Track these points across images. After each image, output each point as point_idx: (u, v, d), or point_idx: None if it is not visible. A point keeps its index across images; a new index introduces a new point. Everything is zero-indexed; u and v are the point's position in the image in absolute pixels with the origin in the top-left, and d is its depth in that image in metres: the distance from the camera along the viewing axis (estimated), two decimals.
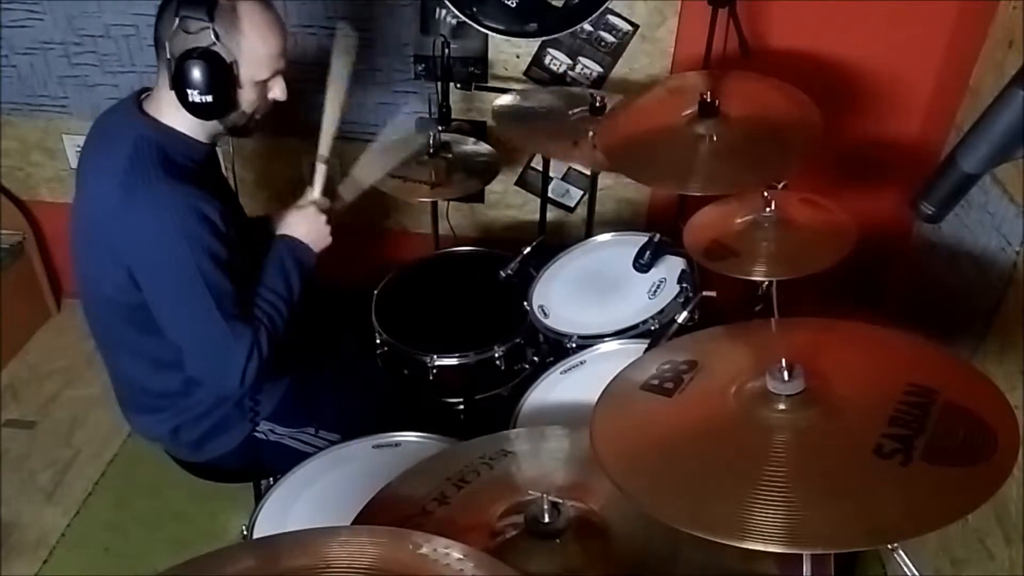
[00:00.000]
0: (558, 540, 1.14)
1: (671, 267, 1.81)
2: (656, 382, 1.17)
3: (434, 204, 2.30)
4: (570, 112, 2.05)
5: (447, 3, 2.22)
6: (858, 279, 2.12)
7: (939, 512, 0.88)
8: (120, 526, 2.22)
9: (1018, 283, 1.71)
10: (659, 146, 1.73)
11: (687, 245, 1.63)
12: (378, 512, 1.20)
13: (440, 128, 2.14)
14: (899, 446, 0.93)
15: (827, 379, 1.05)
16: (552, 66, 2.33)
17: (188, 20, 1.40)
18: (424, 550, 0.84)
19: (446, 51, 2.10)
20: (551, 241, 2.17)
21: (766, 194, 1.57)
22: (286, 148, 2.56)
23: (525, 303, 1.89)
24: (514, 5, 2.20)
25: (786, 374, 1.02)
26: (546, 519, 1.14)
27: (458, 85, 2.28)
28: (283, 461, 1.59)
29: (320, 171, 1.75)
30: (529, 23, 2.23)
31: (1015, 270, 1.73)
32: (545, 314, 1.85)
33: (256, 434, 1.72)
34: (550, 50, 2.31)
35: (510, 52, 2.33)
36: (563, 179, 2.51)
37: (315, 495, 1.49)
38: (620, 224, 2.45)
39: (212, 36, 1.41)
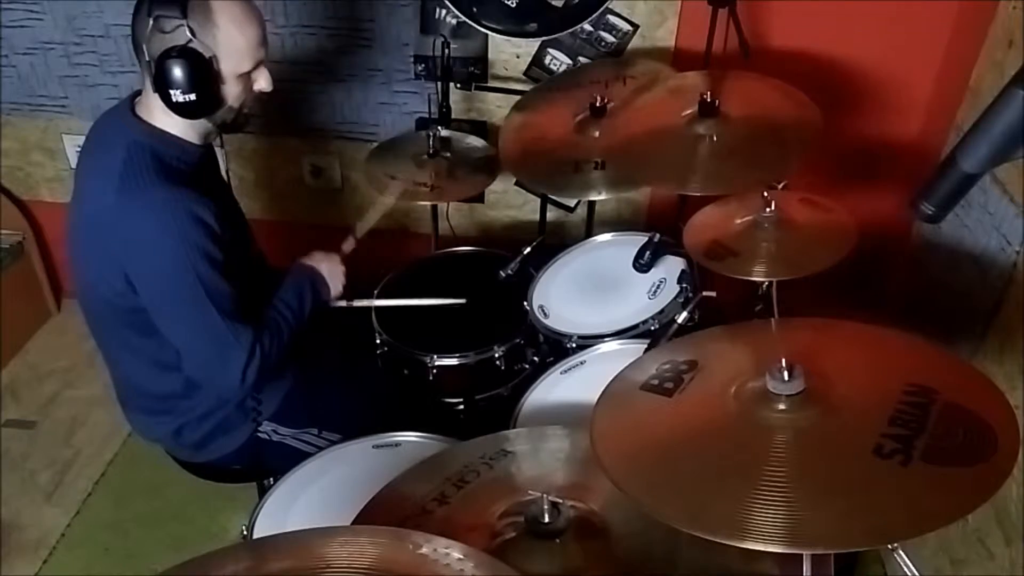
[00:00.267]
0: (558, 540, 1.14)
1: (671, 267, 1.81)
2: (656, 382, 1.17)
3: (434, 204, 2.30)
4: (573, 117, 2.05)
5: (447, 3, 2.22)
6: (858, 279, 2.12)
7: (939, 512, 0.88)
8: (120, 526, 2.22)
9: (1018, 283, 1.71)
10: (659, 146, 1.73)
11: (687, 245, 1.63)
12: (378, 512, 1.20)
13: (440, 128, 2.14)
14: (899, 446, 0.93)
15: (827, 379, 1.05)
16: (552, 66, 2.33)
17: (162, 19, 1.39)
18: (424, 550, 0.84)
19: (446, 51, 2.09)
20: (551, 241, 2.18)
21: (766, 194, 1.57)
22: (286, 148, 2.56)
23: (525, 303, 1.89)
24: (514, 5, 2.20)
25: (786, 374, 1.02)
26: (546, 519, 1.14)
27: (458, 85, 2.29)
28: (286, 461, 1.59)
29: (350, 241, 1.88)
30: (529, 23, 2.22)
31: (1015, 270, 1.73)
32: (545, 314, 1.85)
33: (259, 434, 1.72)
34: (550, 50, 2.31)
35: (510, 52, 2.33)
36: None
37: (315, 495, 1.49)
38: (620, 224, 2.45)
39: (188, 33, 1.39)
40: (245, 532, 1.45)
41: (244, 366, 1.51)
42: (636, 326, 1.74)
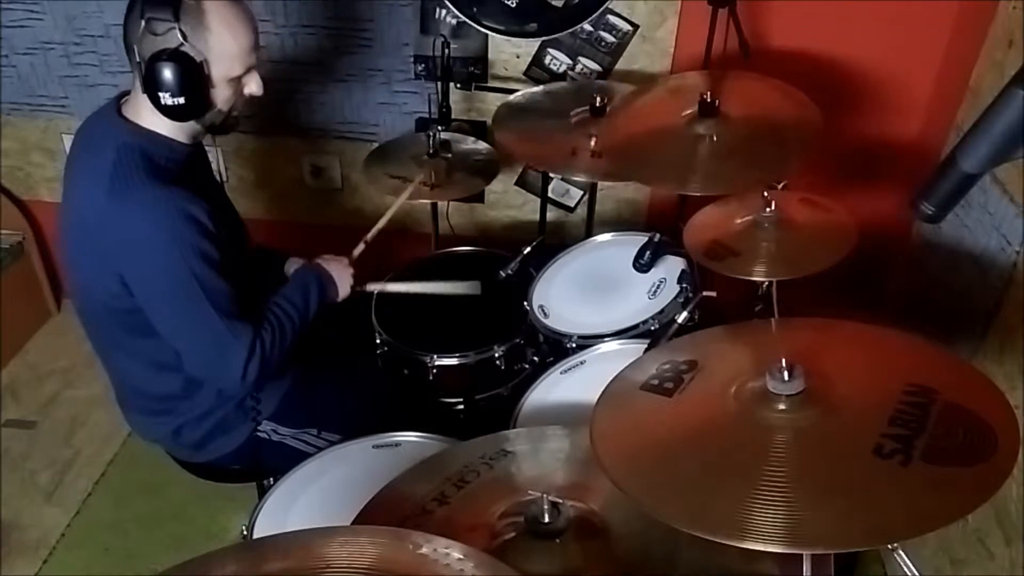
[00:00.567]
0: (558, 540, 1.14)
1: (671, 267, 1.81)
2: (656, 382, 1.17)
3: (434, 204, 2.30)
4: (571, 114, 2.05)
5: (447, 3, 2.22)
6: (858, 279, 2.12)
7: (939, 512, 0.88)
8: (120, 526, 2.22)
9: (1018, 283, 1.71)
10: (659, 146, 1.73)
11: (687, 245, 1.63)
12: (378, 512, 1.20)
13: (440, 128, 2.14)
14: (899, 446, 0.93)
15: (827, 379, 1.05)
16: (552, 66, 2.33)
17: (154, 22, 1.39)
18: (424, 550, 0.84)
19: (446, 51, 2.09)
20: (551, 241, 2.18)
21: (766, 194, 1.57)
22: (286, 148, 2.56)
23: (525, 303, 1.89)
24: (514, 5, 2.20)
25: (786, 374, 1.02)
26: (546, 519, 1.14)
27: (458, 85, 2.29)
28: (285, 461, 1.59)
29: (359, 248, 1.84)
30: (529, 23, 2.23)
31: (1015, 270, 1.73)
32: (545, 314, 1.85)
33: (258, 434, 1.72)
34: (550, 50, 2.31)
35: (510, 52, 2.33)
36: (563, 179, 2.51)
37: (315, 495, 1.49)
38: (620, 224, 2.45)
39: (179, 36, 1.39)
40: (245, 532, 1.45)
41: (245, 363, 1.51)
42: (636, 326, 1.74)
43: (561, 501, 1.16)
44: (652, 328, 1.72)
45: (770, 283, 1.60)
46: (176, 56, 1.39)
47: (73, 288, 1.61)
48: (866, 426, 0.97)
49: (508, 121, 2.09)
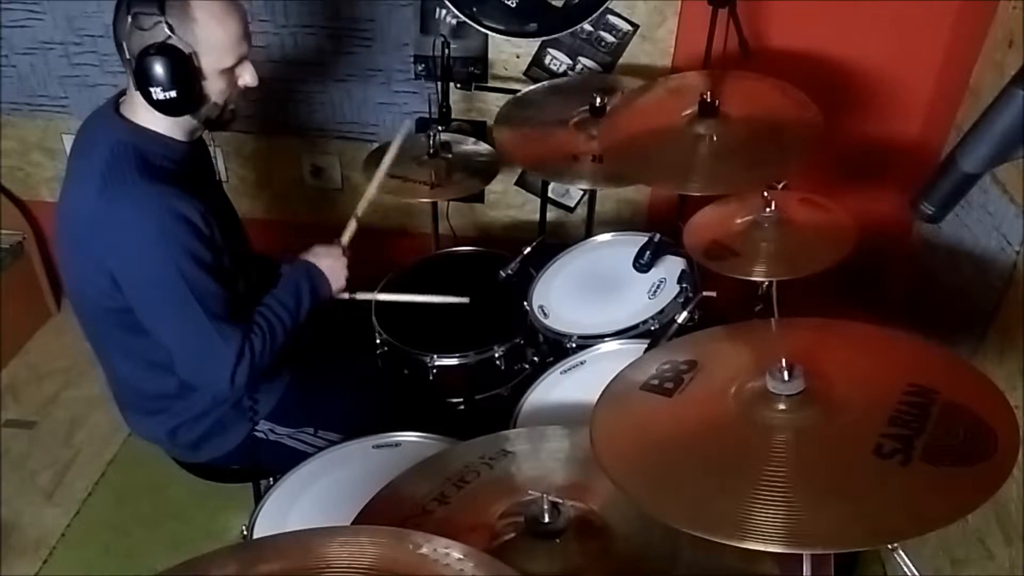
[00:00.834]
0: (558, 540, 1.14)
1: (671, 267, 1.81)
2: (656, 382, 1.17)
3: (434, 204, 2.30)
4: (572, 115, 2.05)
5: (447, 3, 2.22)
6: (858, 279, 2.13)
7: (939, 512, 0.88)
8: (120, 526, 2.22)
9: (1018, 283, 1.71)
10: (659, 146, 1.73)
11: (687, 245, 1.63)
12: (378, 512, 1.20)
13: (440, 128, 2.14)
14: (899, 446, 0.93)
15: (827, 379, 1.05)
16: (552, 66, 2.33)
17: (140, 16, 1.38)
18: (424, 550, 0.84)
19: (446, 51, 2.09)
20: (551, 241, 2.17)
21: (766, 194, 1.57)
22: (286, 148, 2.56)
23: (525, 303, 1.89)
24: (514, 5, 2.20)
25: (786, 374, 1.02)
26: (546, 519, 1.14)
27: (458, 85, 2.28)
28: (283, 461, 1.59)
29: (351, 225, 1.80)
30: (529, 23, 2.23)
31: (1015, 270, 1.73)
32: (545, 314, 1.85)
33: (256, 434, 1.71)
34: (550, 50, 2.31)
35: (510, 52, 2.33)
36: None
37: (315, 495, 1.49)
38: (620, 224, 2.45)
39: (166, 29, 1.38)
40: (245, 532, 1.45)
41: (233, 368, 1.49)
42: (636, 326, 1.74)
43: (561, 501, 1.16)
44: (652, 328, 1.72)
45: (770, 283, 1.60)
46: (164, 49, 1.38)
47: (69, 287, 1.61)
48: (866, 426, 0.97)
49: (508, 123, 2.09)
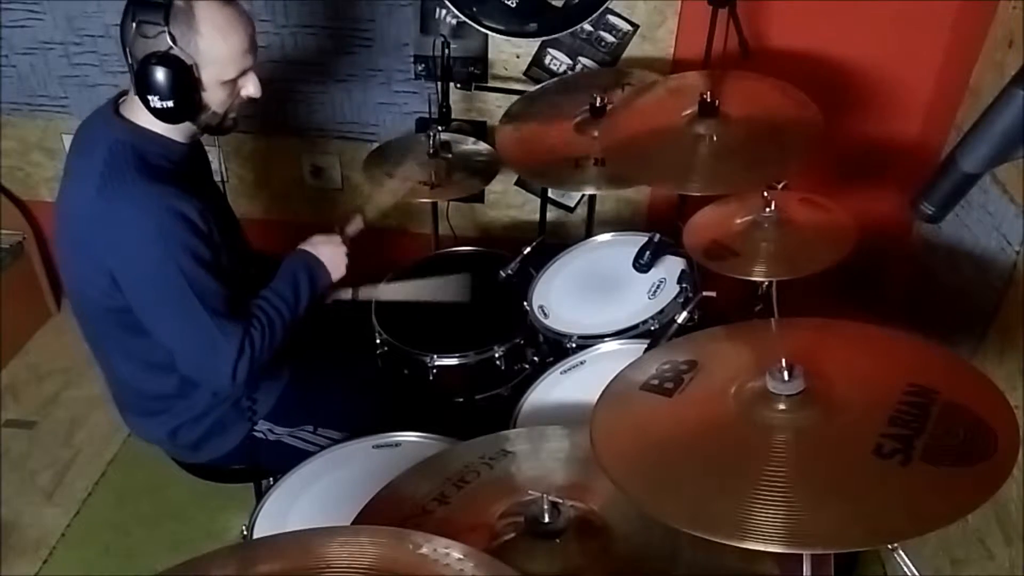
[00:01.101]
0: (558, 540, 1.14)
1: (671, 267, 1.81)
2: (656, 382, 1.17)
3: (434, 204, 2.30)
4: (572, 116, 2.05)
5: (447, 3, 2.22)
6: (858, 279, 2.12)
7: (939, 512, 0.88)
8: (120, 526, 2.22)
9: (1018, 283, 1.71)
10: (659, 146, 1.73)
11: (687, 245, 1.63)
12: (378, 512, 1.20)
13: (440, 128, 2.14)
14: (899, 446, 0.93)
15: (827, 379, 1.05)
16: (552, 66, 2.33)
17: (145, 24, 1.38)
18: (424, 550, 0.84)
19: (446, 51, 2.09)
20: (551, 241, 2.17)
21: (766, 194, 1.57)
22: (286, 148, 2.56)
23: (525, 303, 1.89)
24: (514, 5, 2.20)
25: (786, 374, 1.02)
26: (546, 519, 1.14)
27: (458, 85, 2.28)
28: (283, 460, 1.59)
29: (356, 220, 1.82)
30: (529, 23, 2.23)
31: (1015, 270, 1.73)
32: (545, 314, 1.85)
33: (255, 433, 1.72)
34: (550, 50, 2.31)
35: (510, 52, 2.33)
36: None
37: (315, 495, 1.49)
38: (620, 224, 2.45)
39: (169, 40, 1.38)
40: (245, 532, 1.45)
41: (234, 363, 1.50)
42: (636, 326, 1.74)
43: (561, 501, 1.16)
44: (652, 328, 1.72)
45: (770, 283, 1.60)
46: (165, 59, 1.39)
47: (68, 287, 1.61)
48: (866, 426, 0.97)
49: (509, 128, 2.08)
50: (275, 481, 1.54)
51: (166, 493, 2.22)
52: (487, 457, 1.32)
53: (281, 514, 1.46)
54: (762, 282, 1.63)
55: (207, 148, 1.70)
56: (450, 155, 2.13)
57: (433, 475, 1.29)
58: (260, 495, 1.64)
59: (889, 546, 1.03)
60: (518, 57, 2.33)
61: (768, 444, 0.98)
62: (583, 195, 2.51)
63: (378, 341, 1.93)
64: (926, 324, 2.08)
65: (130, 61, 1.42)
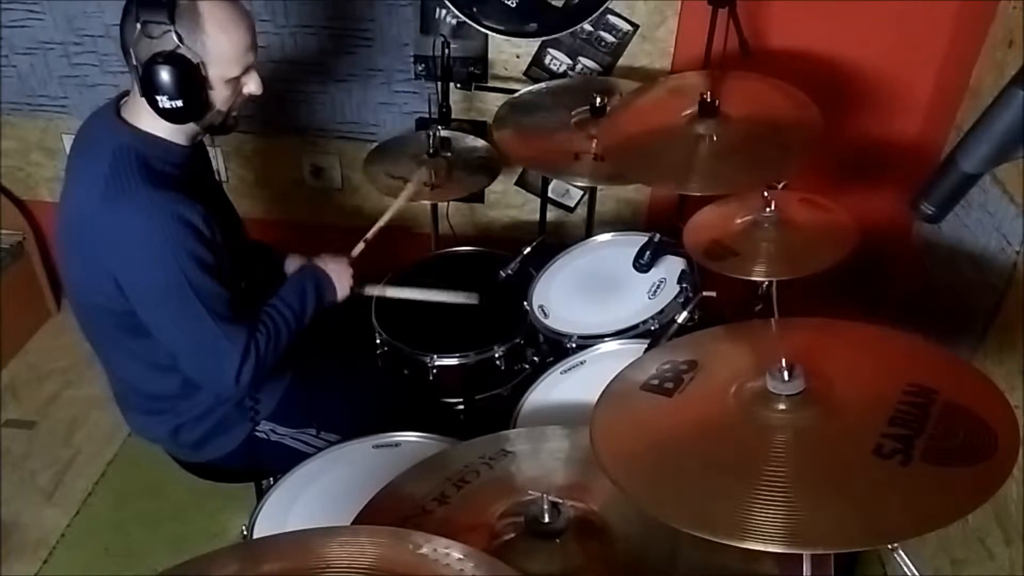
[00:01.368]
0: (558, 540, 1.14)
1: (671, 267, 1.81)
2: (656, 382, 1.17)
3: (434, 204, 2.30)
4: (572, 114, 2.05)
5: (447, 3, 2.22)
6: (858, 279, 2.12)
7: (939, 512, 0.88)
8: (120, 526, 2.22)
9: (1018, 283, 1.71)
10: (659, 146, 1.73)
11: (687, 245, 1.63)
12: (378, 512, 1.20)
13: (440, 128, 2.14)
14: (899, 446, 0.93)
15: (827, 379, 1.05)
16: (552, 66, 2.33)
17: (150, 24, 1.38)
18: (424, 550, 0.84)
19: (446, 51, 2.09)
20: (551, 241, 2.17)
21: (766, 194, 1.57)
22: (286, 148, 2.56)
23: (525, 303, 1.89)
24: (514, 5, 2.20)
25: (786, 374, 1.02)
26: (546, 519, 1.14)
27: (458, 85, 2.28)
28: (284, 461, 1.59)
29: (359, 248, 1.83)
30: (529, 23, 2.23)
31: (1015, 270, 1.73)
32: (545, 314, 1.85)
33: (257, 434, 1.72)
34: (550, 50, 2.31)
35: (510, 52, 2.33)
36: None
37: (315, 495, 1.49)
38: (620, 224, 2.45)
39: (175, 39, 1.38)
40: (245, 532, 1.45)
41: (238, 367, 1.50)
42: (636, 326, 1.74)
43: (561, 501, 1.16)
44: (652, 328, 1.72)
45: (770, 283, 1.60)
46: (173, 59, 1.38)
47: (69, 288, 1.61)
48: (866, 426, 0.97)
49: (508, 122, 2.09)
50: (275, 481, 1.55)
51: (166, 493, 2.22)
52: (487, 457, 1.32)
53: (281, 514, 1.46)
54: (762, 282, 1.63)
55: (207, 148, 1.70)
56: (450, 154, 2.13)
57: (433, 475, 1.29)
58: (260, 495, 1.64)
59: (889, 546, 1.03)
60: (518, 57, 2.33)
61: (768, 444, 0.98)
62: (583, 195, 2.51)
63: (378, 341, 1.93)
64: (926, 324, 2.08)
65: (134, 62, 1.41)
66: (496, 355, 1.85)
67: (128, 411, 1.77)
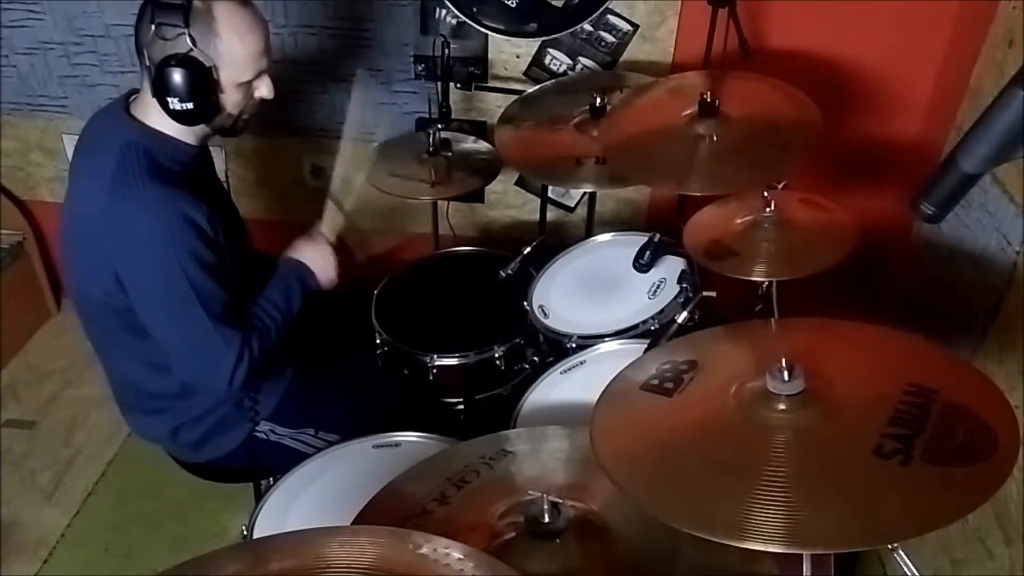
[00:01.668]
0: (558, 540, 1.14)
1: (671, 267, 1.81)
2: (656, 382, 1.17)
3: (434, 204, 2.30)
4: (573, 115, 2.05)
5: (447, 3, 2.22)
6: (858, 279, 2.12)
7: (939, 512, 0.88)
8: (120, 526, 2.22)
9: (1018, 283, 1.71)
10: (659, 146, 1.73)
11: (687, 245, 1.63)
12: (378, 512, 1.20)
13: (440, 128, 2.14)
14: (899, 446, 0.93)
15: (827, 379, 1.05)
16: (552, 66, 2.33)
17: (164, 27, 1.38)
18: (424, 550, 0.84)
19: (446, 51, 2.09)
20: (551, 241, 2.17)
21: (766, 194, 1.57)
22: (286, 148, 2.56)
23: (525, 303, 1.89)
24: (514, 5, 2.20)
25: (786, 374, 1.02)
26: (546, 519, 1.14)
27: (458, 85, 2.28)
28: (283, 461, 1.59)
29: (329, 208, 1.80)
30: (529, 23, 2.23)
31: (1015, 270, 1.73)
32: (545, 314, 1.85)
33: (256, 434, 1.72)
34: (550, 50, 2.31)
35: (510, 52, 2.33)
36: None
37: (315, 495, 1.49)
38: (620, 224, 2.44)
39: (188, 42, 1.38)
40: (245, 532, 1.45)
41: (232, 370, 1.51)
42: (636, 326, 1.74)
43: (561, 501, 1.16)
44: (652, 328, 1.72)
45: (770, 283, 1.60)
46: (185, 61, 1.39)
47: (72, 285, 1.61)
48: (866, 426, 0.97)
49: (509, 126, 2.08)
50: (275, 481, 1.55)
51: (166, 493, 2.22)
52: (487, 457, 1.32)
53: (281, 514, 1.46)
54: (762, 282, 1.63)
55: (211, 148, 1.70)
56: (450, 154, 2.13)
57: (433, 475, 1.29)
58: (260, 495, 1.64)
59: (889, 546, 1.03)
60: (518, 57, 2.33)
61: (768, 444, 0.98)
62: (583, 195, 2.51)
63: (378, 341, 1.93)
64: (926, 324, 2.08)
65: (147, 63, 1.41)
66: (496, 355, 1.85)
67: (128, 411, 1.77)
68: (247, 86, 1.49)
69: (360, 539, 0.86)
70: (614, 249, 1.98)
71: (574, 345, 1.76)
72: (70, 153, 2.61)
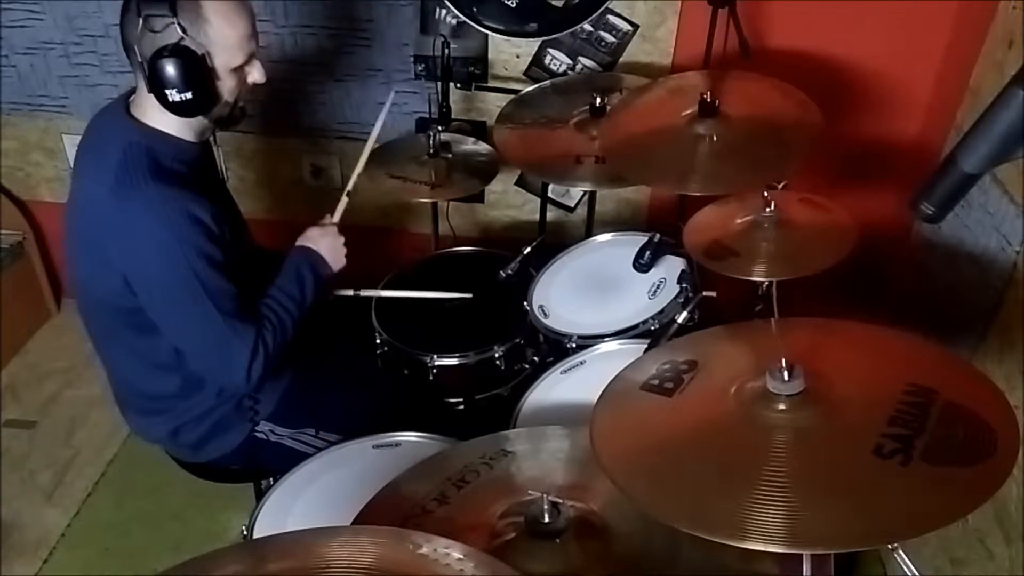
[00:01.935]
0: (558, 540, 1.14)
1: (671, 267, 1.81)
2: (656, 382, 1.17)
3: (434, 204, 2.30)
4: (572, 114, 2.05)
5: (447, 3, 2.22)
6: (858, 279, 2.12)
7: (939, 512, 0.88)
8: (120, 526, 2.22)
9: (1018, 283, 1.71)
10: (659, 146, 1.73)
11: (687, 245, 1.63)
12: (378, 512, 1.21)
13: (440, 128, 2.14)
14: (899, 446, 0.93)
15: (827, 379, 1.05)
16: (552, 66, 2.33)
17: (152, 18, 1.38)
18: (424, 550, 0.84)
19: (446, 51, 2.09)
20: (551, 241, 2.17)
21: (766, 194, 1.57)
22: (286, 148, 2.56)
23: (525, 303, 1.89)
24: (514, 5, 2.20)
25: (786, 374, 1.02)
26: (546, 519, 1.14)
27: (458, 85, 2.28)
28: (283, 461, 1.59)
29: (342, 203, 1.82)
30: (529, 23, 2.22)
31: (1015, 270, 1.73)
32: (545, 314, 1.85)
33: (256, 434, 1.72)
34: (550, 50, 2.31)
35: (510, 52, 2.33)
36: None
37: (315, 495, 1.49)
38: (620, 224, 2.44)
39: (179, 31, 1.38)
40: (245, 532, 1.45)
41: (248, 364, 1.51)
42: (636, 326, 1.74)
43: (561, 501, 1.16)
44: (652, 328, 1.72)
45: (770, 283, 1.60)
46: (178, 51, 1.38)
47: (75, 284, 1.61)
48: (866, 426, 0.97)
49: (509, 125, 2.08)
50: (275, 481, 1.55)
51: (166, 493, 2.22)
52: (487, 457, 1.32)
53: (281, 514, 1.46)
54: (762, 282, 1.63)
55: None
56: (450, 155, 2.13)
57: (433, 475, 1.29)
58: (260, 495, 1.64)
59: (889, 546, 1.03)
60: (518, 57, 2.33)
61: (768, 444, 0.98)
62: (583, 195, 2.51)
63: (378, 341, 1.93)
64: (926, 324, 2.08)
65: (139, 59, 1.41)
66: (496, 355, 1.85)
67: (128, 411, 1.77)
68: (240, 71, 1.49)
69: (360, 539, 0.86)
70: (614, 249, 1.98)
71: (574, 345, 1.76)
72: (70, 153, 2.63)
